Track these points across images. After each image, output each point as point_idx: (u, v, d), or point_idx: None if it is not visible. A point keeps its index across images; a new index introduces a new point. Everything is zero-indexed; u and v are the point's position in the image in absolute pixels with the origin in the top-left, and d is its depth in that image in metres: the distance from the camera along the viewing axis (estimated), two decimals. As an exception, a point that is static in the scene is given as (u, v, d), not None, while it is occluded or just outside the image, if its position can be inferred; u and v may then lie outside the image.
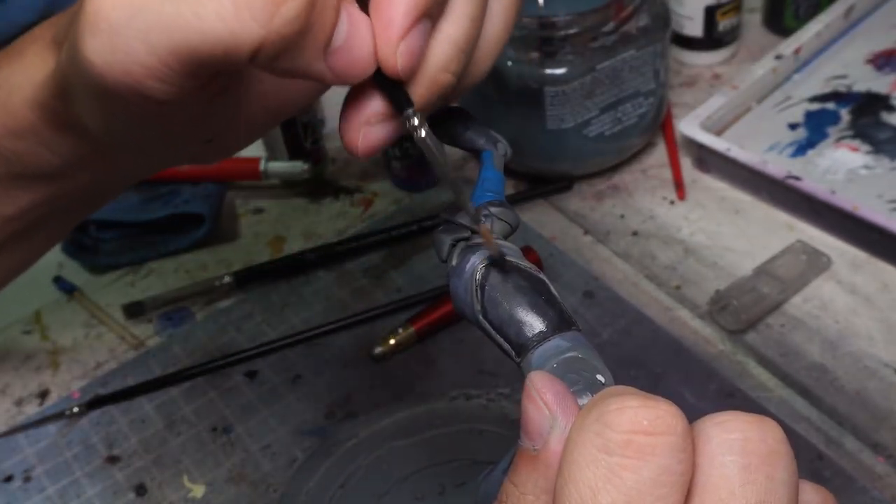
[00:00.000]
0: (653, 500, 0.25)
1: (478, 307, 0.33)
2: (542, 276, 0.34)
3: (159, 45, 0.27)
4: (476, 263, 0.33)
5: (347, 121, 0.32)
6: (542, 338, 0.31)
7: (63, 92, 0.32)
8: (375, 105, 0.32)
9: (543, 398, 0.28)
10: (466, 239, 0.36)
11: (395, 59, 0.30)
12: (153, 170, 0.41)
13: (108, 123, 0.32)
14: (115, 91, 0.28)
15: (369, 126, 0.32)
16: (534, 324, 0.32)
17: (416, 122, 0.31)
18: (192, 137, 0.34)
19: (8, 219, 0.39)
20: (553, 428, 0.27)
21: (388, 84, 0.31)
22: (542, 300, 0.32)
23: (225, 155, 0.38)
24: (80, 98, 0.31)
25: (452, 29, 0.32)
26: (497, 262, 0.33)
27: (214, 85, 0.30)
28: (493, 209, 0.36)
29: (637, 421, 0.26)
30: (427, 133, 0.31)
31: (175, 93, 0.29)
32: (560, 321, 0.32)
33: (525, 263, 0.34)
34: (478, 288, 0.33)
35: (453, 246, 0.36)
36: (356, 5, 0.30)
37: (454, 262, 0.35)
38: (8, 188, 0.37)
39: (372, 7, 0.30)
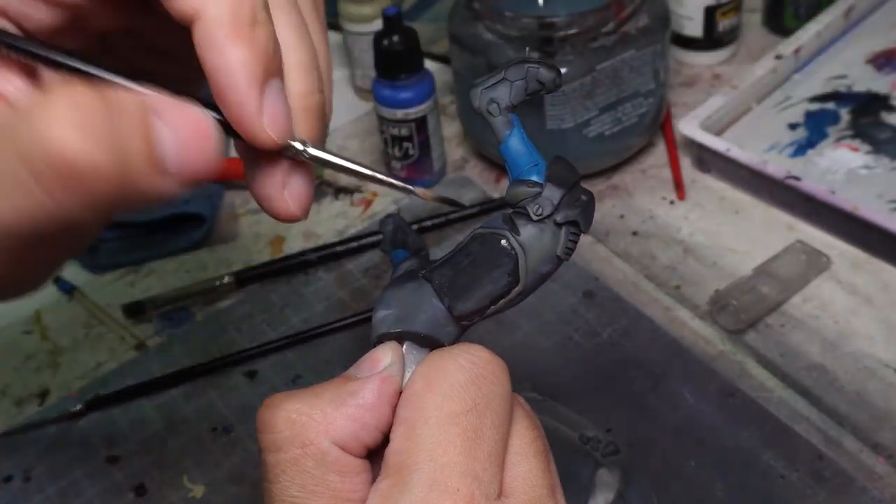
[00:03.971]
0: (500, 409, 0.32)
1: None
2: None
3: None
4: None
5: (267, 200, 0.31)
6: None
7: None
8: (274, 170, 0.30)
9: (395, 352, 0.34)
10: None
11: (267, 134, 0.28)
12: None
13: None
14: None
15: (287, 191, 0.31)
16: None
17: (309, 152, 0.30)
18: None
19: None
20: (386, 368, 0.33)
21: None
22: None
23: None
24: None
25: (294, 55, 0.30)
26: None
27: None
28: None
29: (492, 358, 0.33)
30: (319, 150, 0.30)
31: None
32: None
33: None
34: None
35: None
36: (170, 99, 0.27)
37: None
38: None
39: (216, 97, 0.28)
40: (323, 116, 0.31)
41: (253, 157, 0.30)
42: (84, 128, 0.25)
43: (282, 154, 0.30)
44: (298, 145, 0.30)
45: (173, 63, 0.34)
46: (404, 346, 0.35)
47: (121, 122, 0.25)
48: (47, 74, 0.31)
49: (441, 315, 0.35)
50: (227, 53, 0.27)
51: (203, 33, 0.28)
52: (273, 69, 0.29)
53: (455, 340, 0.36)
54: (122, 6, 0.31)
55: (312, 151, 0.30)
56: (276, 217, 0.31)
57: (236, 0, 0.28)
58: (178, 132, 0.27)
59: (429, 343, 0.35)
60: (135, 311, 0.71)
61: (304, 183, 0.31)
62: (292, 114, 0.30)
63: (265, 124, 0.28)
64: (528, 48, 0.71)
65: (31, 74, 0.31)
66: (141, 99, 0.27)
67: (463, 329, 0.36)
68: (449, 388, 0.32)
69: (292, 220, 0.31)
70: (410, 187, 0.34)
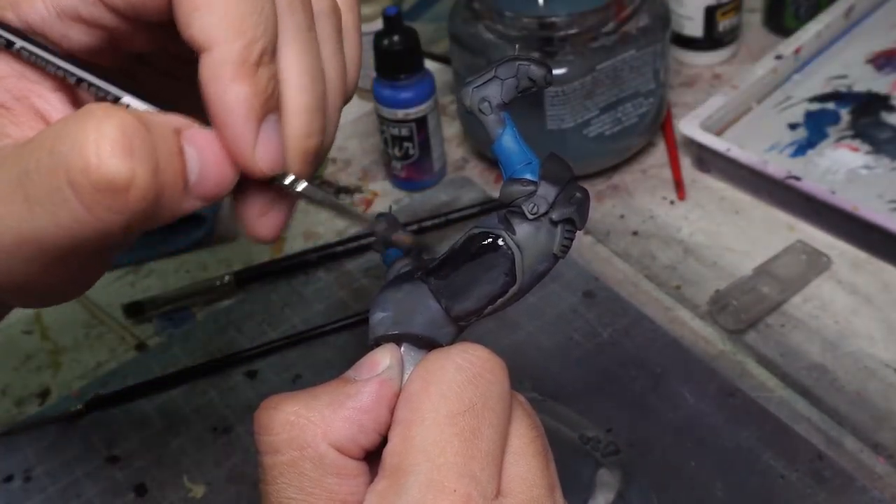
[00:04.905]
0: (499, 409, 0.32)
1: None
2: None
3: (26, 257, 0.29)
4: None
5: (244, 220, 0.32)
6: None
7: None
8: (260, 197, 0.32)
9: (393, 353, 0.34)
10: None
11: (258, 166, 0.30)
12: None
13: None
14: None
15: (264, 217, 0.32)
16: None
17: (299, 187, 0.31)
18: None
19: None
20: (385, 370, 0.33)
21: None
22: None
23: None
24: None
25: (301, 98, 0.31)
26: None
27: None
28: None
29: (490, 356, 0.33)
30: (307, 186, 0.31)
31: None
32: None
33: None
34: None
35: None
36: (196, 125, 0.30)
37: None
38: None
39: (215, 126, 0.30)
40: (319, 157, 0.33)
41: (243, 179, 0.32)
42: (128, 149, 0.26)
43: (270, 184, 0.31)
44: (289, 178, 0.31)
45: (182, 88, 0.36)
46: (402, 348, 0.35)
47: (158, 143, 0.27)
48: (81, 94, 0.32)
49: (438, 316, 0.35)
50: (230, 91, 0.29)
51: (209, 66, 0.29)
52: (271, 106, 0.30)
53: (453, 340, 0.35)
54: (156, 30, 0.32)
55: (300, 188, 0.31)
56: (247, 235, 0.33)
57: (247, 42, 0.29)
58: (202, 155, 0.29)
59: (426, 344, 0.35)
60: (135, 311, 0.71)
61: (281, 213, 0.32)
62: (290, 153, 0.31)
63: (257, 157, 0.30)
64: (517, 45, 0.71)
65: (64, 91, 0.32)
66: (173, 122, 0.29)
67: (460, 329, 0.36)
68: (446, 388, 0.32)
69: (260, 242, 0.33)
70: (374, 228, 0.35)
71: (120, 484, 0.60)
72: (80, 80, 0.31)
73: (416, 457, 0.31)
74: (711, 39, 0.86)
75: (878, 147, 0.76)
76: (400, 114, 0.74)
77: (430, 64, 0.78)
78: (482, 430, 0.31)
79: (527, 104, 0.72)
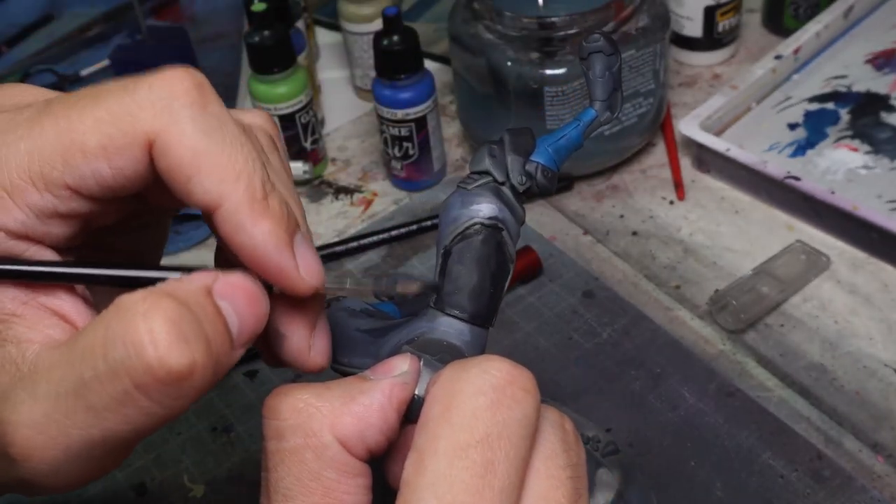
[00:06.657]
0: (517, 438, 0.30)
1: None
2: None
3: (91, 457, 0.30)
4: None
5: (295, 359, 0.34)
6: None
7: None
8: (299, 328, 0.33)
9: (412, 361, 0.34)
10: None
11: (308, 284, 0.31)
12: None
13: None
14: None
15: (315, 343, 0.34)
16: None
17: (326, 286, 0.33)
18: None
19: None
20: (401, 374, 0.33)
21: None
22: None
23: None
24: None
25: (298, 209, 0.33)
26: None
27: None
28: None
29: (513, 374, 0.31)
30: (330, 284, 0.33)
31: None
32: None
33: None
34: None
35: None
36: (212, 273, 0.30)
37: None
38: None
39: (251, 265, 0.31)
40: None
41: (279, 317, 0.33)
42: (182, 337, 0.27)
43: (313, 299, 0.33)
44: (331, 284, 0.33)
45: (138, 238, 0.37)
46: (422, 360, 0.34)
47: (201, 317, 0.28)
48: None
49: (464, 328, 0.36)
50: (255, 231, 0.30)
51: (226, 219, 0.30)
52: (292, 226, 0.31)
53: (483, 342, 0.36)
54: (124, 204, 0.33)
55: (328, 286, 0.33)
56: (304, 369, 0.34)
57: (248, 182, 0.30)
58: (236, 304, 0.29)
59: (449, 350, 0.35)
60: (135, 310, 0.71)
61: (323, 332, 0.34)
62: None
63: (304, 277, 0.31)
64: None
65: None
66: (197, 283, 0.29)
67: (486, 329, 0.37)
68: (461, 416, 0.30)
69: (319, 370, 0.34)
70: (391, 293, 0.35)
71: (120, 484, 0.60)
72: (88, 280, 0.32)
73: (424, 491, 0.29)
74: (711, 39, 0.86)
75: (877, 147, 0.76)
76: (400, 114, 0.74)
77: (429, 64, 0.78)
78: (496, 464, 0.29)
79: (526, 104, 0.72)
